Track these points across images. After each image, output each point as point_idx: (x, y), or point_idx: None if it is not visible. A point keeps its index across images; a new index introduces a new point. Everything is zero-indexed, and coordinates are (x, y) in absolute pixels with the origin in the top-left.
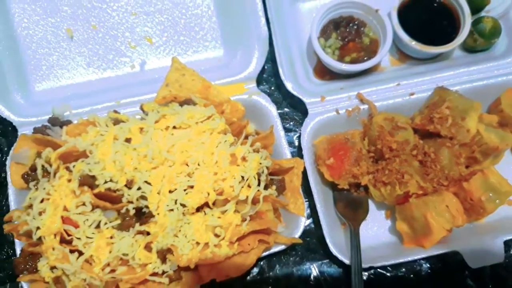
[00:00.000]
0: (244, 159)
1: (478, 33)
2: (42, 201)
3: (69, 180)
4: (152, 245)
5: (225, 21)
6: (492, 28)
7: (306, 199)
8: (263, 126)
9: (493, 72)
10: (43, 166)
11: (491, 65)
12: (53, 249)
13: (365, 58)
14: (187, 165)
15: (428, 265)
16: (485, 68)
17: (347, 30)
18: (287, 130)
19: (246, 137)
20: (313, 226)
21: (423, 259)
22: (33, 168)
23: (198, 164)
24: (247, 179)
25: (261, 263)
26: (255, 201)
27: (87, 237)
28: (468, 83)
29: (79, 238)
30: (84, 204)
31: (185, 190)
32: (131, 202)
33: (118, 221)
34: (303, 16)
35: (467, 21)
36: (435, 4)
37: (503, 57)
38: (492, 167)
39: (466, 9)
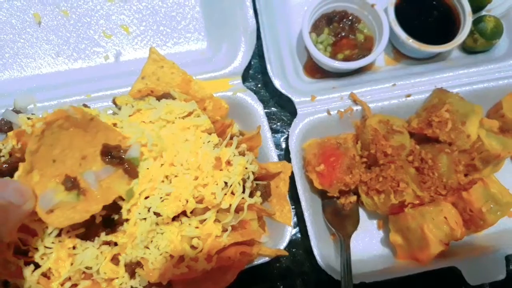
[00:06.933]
0: (228, 163)
1: (479, 33)
2: None
3: None
4: (120, 257)
5: (210, 11)
6: (494, 28)
7: (293, 207)
8: (248, 126)
9: (494, 74)
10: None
11: (492, 67)
12: (6, 261)
13: (359, 56)
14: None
15: (423, 281)
16: (485, 70)
17: (341, 25)
18: (274, 131)
19: (230, 138)
20: (299, 236)
21: (417, 274)
22: None
23: (181, 165)
24: (231, 186)
25: (243, 276)
26: (238, 210)
27: (46, 247)
28: (467, 86)
29: (36, 248)
30: None
31: (161, 197)
32: None
33: (82, 229)
34: (294, 9)
35: (467, 19)
36: (434, 2)
37: (504, 59)
38: (492, 175)
39: (467, 7)
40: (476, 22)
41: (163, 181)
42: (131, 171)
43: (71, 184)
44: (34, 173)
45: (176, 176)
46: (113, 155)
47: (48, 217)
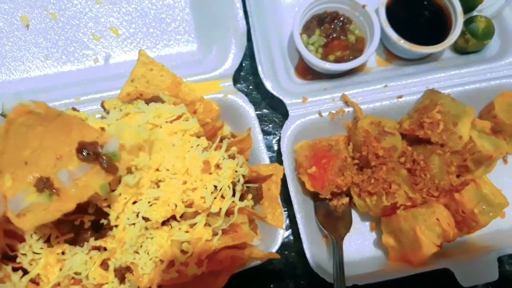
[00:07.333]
0: (218, 166)
1: (471, 33)
2: None
3: None
4: (109, 262)
5: (200, 12)
6: (485, 28)
7: (285, 209)
8: (239, 128)
9: (486, 75)
10: None
11: (483, 67)
12: None
13: (350, 57)
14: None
15: (416, 283)
16: (477, 71)
17: (332, 26)
18: (265, 133)
19: (221, 141)
20: (292, 238)
21: (410, 276)
22: None
23: (167, 170)
24: (221, 189)
25: (234, 279)
26: (228, 213)
27: (34, 252)
28: (459, 86)
29: (24, 254)
30: None
31: (149, 201)
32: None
33: (71, 234)
34: (285, 10)
35: (459, 20)
36: (425, 2)
37: (495, 60)
38: (484, 176)
39: (458, 7)
40: (468, 23)
41: (153, 188)
42: (109, 167)
43: (43, 184)
44: (6, 177)
45: (161, 181)
46: (88, 151)
47: (20, 221)
